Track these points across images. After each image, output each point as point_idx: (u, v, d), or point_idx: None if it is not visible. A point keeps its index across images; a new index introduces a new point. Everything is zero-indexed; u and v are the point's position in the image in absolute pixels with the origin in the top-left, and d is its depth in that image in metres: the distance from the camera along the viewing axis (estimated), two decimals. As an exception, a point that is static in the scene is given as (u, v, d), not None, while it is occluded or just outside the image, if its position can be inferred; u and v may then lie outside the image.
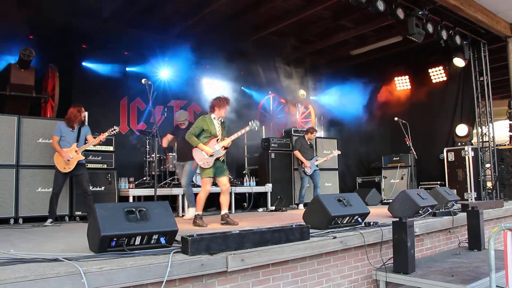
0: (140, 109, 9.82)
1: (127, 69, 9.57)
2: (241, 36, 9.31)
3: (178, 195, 7.67)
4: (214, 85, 10.70)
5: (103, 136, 6.39)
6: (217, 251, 3.26)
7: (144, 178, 8.37)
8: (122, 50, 9.29)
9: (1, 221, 6.22)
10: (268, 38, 9.86)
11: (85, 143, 6.39)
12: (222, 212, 5.84)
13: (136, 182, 8.06)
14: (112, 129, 6.40)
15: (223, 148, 5.80)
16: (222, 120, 5.98)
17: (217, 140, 5.83)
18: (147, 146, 8.44)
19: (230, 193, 8.37)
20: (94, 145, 6.56)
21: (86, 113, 6.66)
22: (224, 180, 5.87)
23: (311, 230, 4.16)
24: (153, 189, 6.72)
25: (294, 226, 3.99)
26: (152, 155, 8.30)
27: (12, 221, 6.33)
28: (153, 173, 7.89)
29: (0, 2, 7.08)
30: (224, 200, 5.86)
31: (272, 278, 3.69)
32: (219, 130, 5.91)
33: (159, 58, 9.55)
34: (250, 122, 5.94)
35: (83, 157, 6.37)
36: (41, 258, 2.98)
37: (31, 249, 3.58)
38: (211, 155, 5.73)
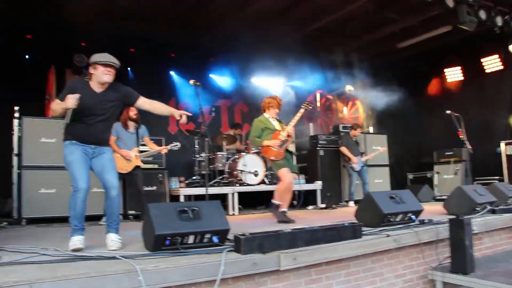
0: (188, 109, 9.97)
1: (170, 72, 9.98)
2: (285, 34, 9.25)
3: (228, 194, 7.73)
4: (260, 84, 10.71)
5: (164, 149, 6.71)
6: (269, 249, 3.26)
7: (194, 178, 8.46)
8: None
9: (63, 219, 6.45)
10: (312, 35, 9.74)
11: (141, 145, 6.65)
12: (281, 210, 5.85)
13: (187, 182, 8.18)
14: (175, 144, 6.70)
15: (288, 136, 5.87)
16: (277, 119, 6.11)
17: (279, 132, 5.93)
18: (196, 146, 8.56)
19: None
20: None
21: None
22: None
23: (363, 228, 4.08)
24: (203, 188, 6.78)
25: (346, 224, 3.92)
26: (201, 154, 8.44)
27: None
28: (203, 172, 8.00)
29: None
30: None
31: (325, 277, 3.65)
32: (278, 125, 6.01)
33: (205, 59, 9.73)
34: (302, 105, 6.06)
35: (142, 164, 6.59)
36: (100, 256, 3.09)
37: (88, 247, 3.66)
38: (280, 145, 5.79)
